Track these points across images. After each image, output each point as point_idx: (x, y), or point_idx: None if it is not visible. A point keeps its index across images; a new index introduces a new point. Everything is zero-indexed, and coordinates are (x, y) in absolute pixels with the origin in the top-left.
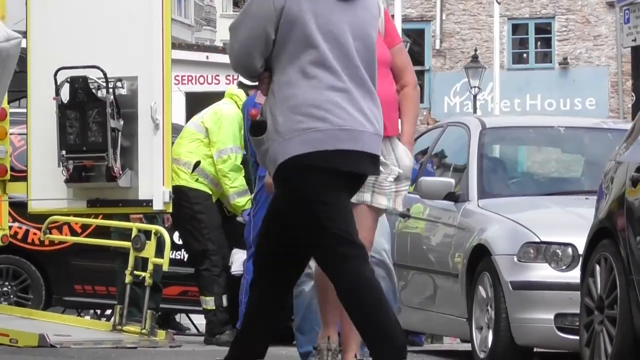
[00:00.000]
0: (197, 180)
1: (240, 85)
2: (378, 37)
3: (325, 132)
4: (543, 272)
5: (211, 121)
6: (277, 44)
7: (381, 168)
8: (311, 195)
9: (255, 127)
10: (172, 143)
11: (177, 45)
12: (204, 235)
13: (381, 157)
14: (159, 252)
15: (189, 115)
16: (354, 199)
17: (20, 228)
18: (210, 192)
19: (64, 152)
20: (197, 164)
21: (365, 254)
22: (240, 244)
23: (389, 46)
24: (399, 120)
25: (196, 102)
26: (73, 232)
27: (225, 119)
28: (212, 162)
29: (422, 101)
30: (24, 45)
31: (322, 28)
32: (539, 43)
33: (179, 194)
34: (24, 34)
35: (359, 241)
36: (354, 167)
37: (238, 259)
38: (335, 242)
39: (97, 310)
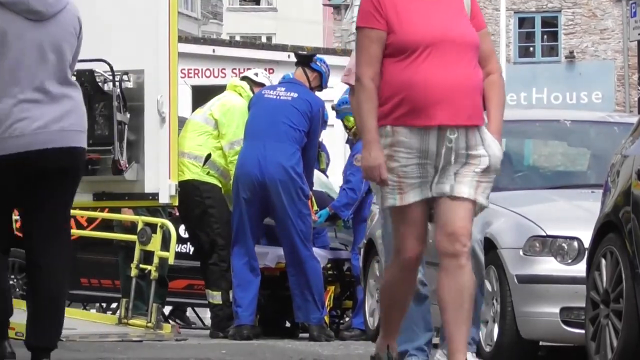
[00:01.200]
0: (208, 173)
1: (244, 79)
2: (467, 20)
3: None
4: (549, 265)
5: (220, 113)
6: None
7: (467, 160)
8: None
9: None
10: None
11: (183, 38)
12: (214, 230)
13: (466, 151)
14: (164, 245)
15: (195, 109)
16: (434, 193)
17: None
18: (221, 185)
19: None
20: (208, 157)
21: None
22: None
23: (475, 29)
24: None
25: (202, 96)
26: (79, 225)
27: (235, 110)
28: (222, 154)
29: None
30: None
31: (9, 45)
32: (545, 36)
33: (191, 188)
34: None
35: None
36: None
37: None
38: None
39: (102, 304)
